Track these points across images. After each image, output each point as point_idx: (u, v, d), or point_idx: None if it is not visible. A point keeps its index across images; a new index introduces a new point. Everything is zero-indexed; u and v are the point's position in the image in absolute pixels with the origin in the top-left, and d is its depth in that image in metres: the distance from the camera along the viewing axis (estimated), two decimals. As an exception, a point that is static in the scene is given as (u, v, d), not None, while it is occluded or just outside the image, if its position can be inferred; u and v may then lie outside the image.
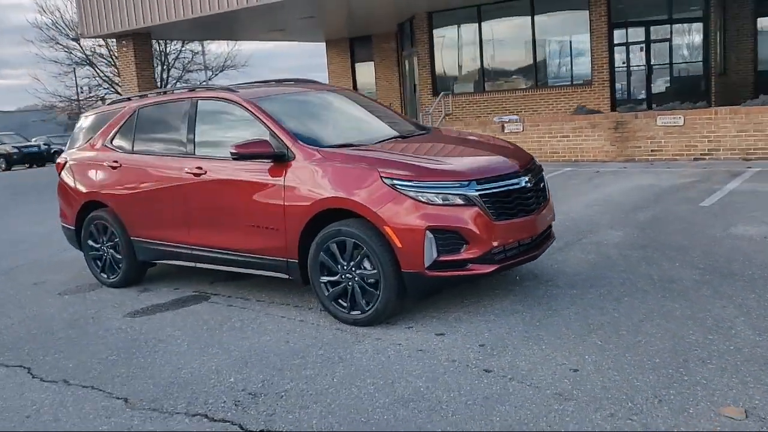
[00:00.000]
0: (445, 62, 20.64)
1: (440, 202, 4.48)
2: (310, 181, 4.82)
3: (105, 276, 6.36)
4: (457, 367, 3.96)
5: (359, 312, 4.71)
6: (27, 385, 4.23)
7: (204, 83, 31.73)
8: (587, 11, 17.80)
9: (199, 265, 5.70)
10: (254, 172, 5.11)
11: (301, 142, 5.00)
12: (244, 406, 3.68)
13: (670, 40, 18.39)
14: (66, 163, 6.64)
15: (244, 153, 4.97)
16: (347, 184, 4.67)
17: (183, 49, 36.60)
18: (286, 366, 4.17)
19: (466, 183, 4.53)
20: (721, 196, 8.28)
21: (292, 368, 4.13)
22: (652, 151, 12.08)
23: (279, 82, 6.41)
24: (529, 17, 18.86)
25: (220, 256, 5.45)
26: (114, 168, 6.10)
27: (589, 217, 7.69)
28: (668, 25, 18.20)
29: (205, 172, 5.39)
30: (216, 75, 45.39)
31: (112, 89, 35.21)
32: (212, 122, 5.63)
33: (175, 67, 37.55)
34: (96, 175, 6.26)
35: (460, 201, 4.49)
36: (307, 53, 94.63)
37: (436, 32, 20.58)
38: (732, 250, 5.88)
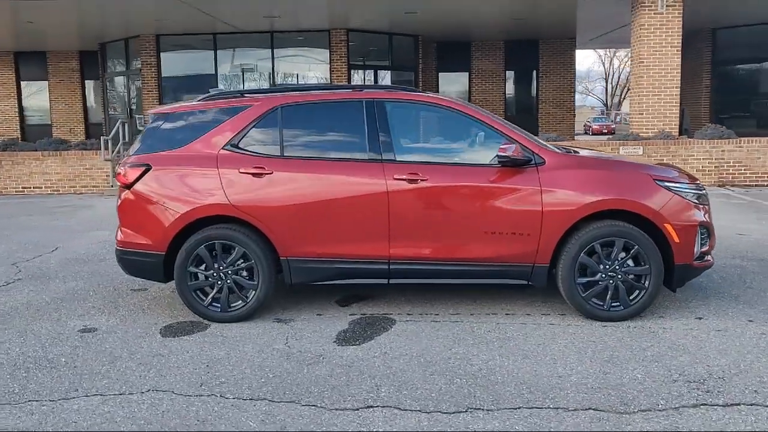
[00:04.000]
0: (176, 87, 19.62)
1: (691, 201, 5.11)
2: (576, 185, 4.95)
3: (216, 309, 5.16)
4: (780, 336, 4.68)
5: (622, 307, 5.02)
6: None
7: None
8: (328, 50, 19.03)
9: (393, 281, 5.13)
10: (492, 177, 4.99)
11: (548, 147, 5.08)
12: (728, 385, 3.85)
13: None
14: (147, 170, 5.17)
15: (514, 158, 4.85)
16: (625, 186, 4.98)
17: None
18: (663, 357, 4.34)
19: (695, 185, 5.25)
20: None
21: (663, 357, 4.34)
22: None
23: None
24: (269, 50, 19.29)
25: (435, 268, 5.07)
26: (258, 176, 5.06)
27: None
28: (389, 71, 20.52)
29: (425, 178, 4.98)
30: None
31: None
32: (411, 126, 5.22)
33: None
34: (221, 183, 5.06)
35: (695, 200, 5.18)
36: None
37: (164, 56, 19.47)
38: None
